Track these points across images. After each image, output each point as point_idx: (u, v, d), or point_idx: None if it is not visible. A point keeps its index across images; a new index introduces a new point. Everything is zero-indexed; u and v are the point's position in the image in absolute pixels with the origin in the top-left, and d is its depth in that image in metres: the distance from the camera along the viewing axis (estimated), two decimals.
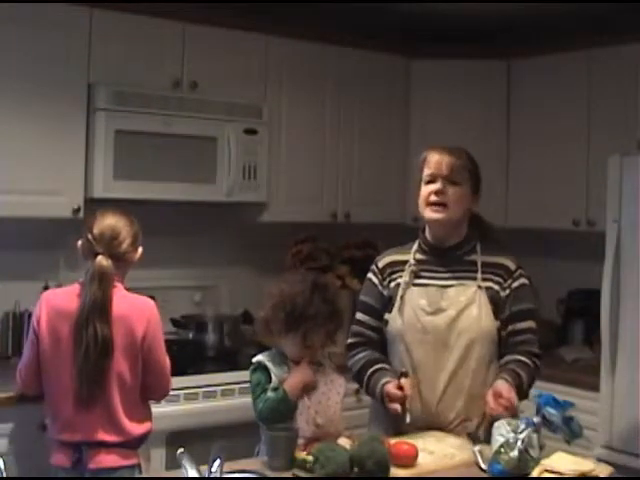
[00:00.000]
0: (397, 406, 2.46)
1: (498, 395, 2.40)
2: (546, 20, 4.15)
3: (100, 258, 2.70)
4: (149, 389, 2.81)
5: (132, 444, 2.74)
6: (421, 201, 2.63)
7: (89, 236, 2.75)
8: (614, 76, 3.97)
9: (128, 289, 2.84)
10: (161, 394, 2.88)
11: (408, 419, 2.45)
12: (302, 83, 4.14)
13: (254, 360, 2.50)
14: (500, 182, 4.41)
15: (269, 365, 2.45)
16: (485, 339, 2.56)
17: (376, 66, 4.38)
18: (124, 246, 2.78)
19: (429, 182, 2.61)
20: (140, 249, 2.86)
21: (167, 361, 2.84)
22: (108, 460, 2.69)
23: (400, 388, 2.48)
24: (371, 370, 2.64)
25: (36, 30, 3.35)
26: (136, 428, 2.74)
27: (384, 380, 2.57)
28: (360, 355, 2.70)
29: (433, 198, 2.58)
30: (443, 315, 2.57)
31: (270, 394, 2.40)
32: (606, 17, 3.88)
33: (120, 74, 3.57)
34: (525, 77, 4.40)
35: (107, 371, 2.66)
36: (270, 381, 2.43)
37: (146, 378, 2.78)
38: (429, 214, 2.61)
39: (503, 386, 2.43)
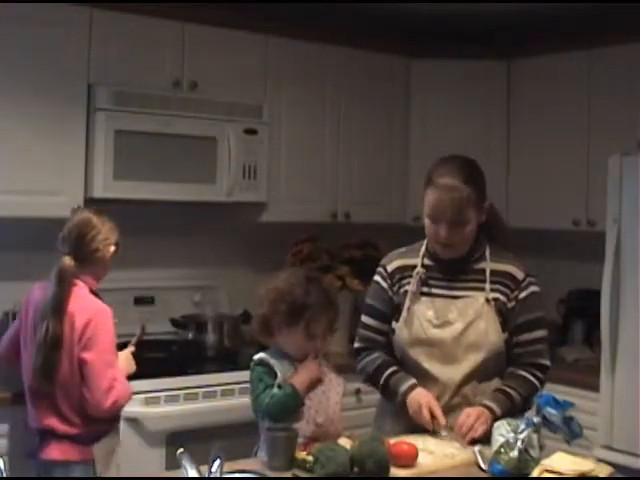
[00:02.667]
0: (427, 416, 2.45)
1: (461, 424, 2.42)
2: (546, 20, 4.15)
3: (63, 258, 2.77)
4: (84, 397, 2.73)
5: (83, 439, 2.77)
6: (428, 236, 2.56)
7: (60, 235, 2.83)
8: (614, 76, 3.97)
9: (94, 292, 2.84)
10: (93, 406, 2.71)
11: (444, 433, 2.45)
12: (302, 83, 4.14)
13: (255, 357, 2.48)
14: (500, 182, 4.41)
15: (272, 362, 2.43)
16: (493, 353, 2.53)
17: (376, 66, 4.38)
18: (92, 245, 2.81)
19: (433, 221, 2.51)
20: (112, 248, 2.87)
21: (107, 373, 2.71)
22: (56, 452, 2.75)
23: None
24: (388, 372, 2.60)
25: (36, 30, 3.35)
26: (85, 424, 2.76)
27: (407, 385, 2.54)
28: (373, 355, 2.65)
29: (441, 240, 2.51)
30: (450, 328, 2.53)
31: (276, 390, 2.38)
32: (606, 17, 3.87)
33: (120, 74, 3.57)
34: (525, 77, 4.40)
35: (55, 365, 2.71)
36: (275, 377, 2.41)
37: (82, 382, 2.73)
38: (439, 251, 2.56)
39: (469, 417, 2.43)
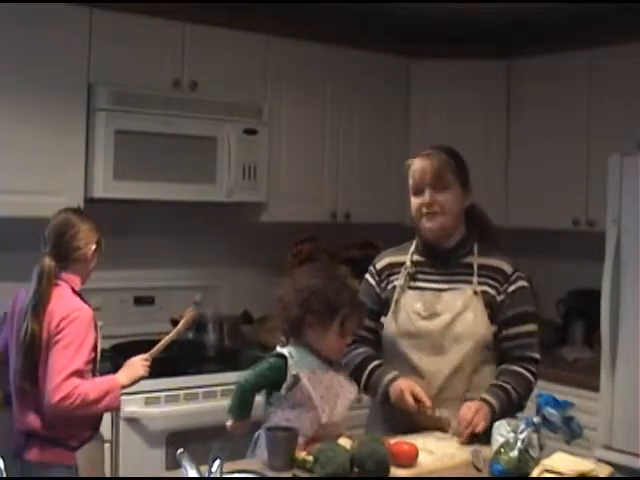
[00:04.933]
0: (411, 400, 2.46)
1: (463, 419, 2.43)
2: (546, 20, 4.15)
3: (44, 257, 2.75)
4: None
5: (64, 443, 2.73)
6: (414, 213, 2.62)
7: (41, 236, 2.81)
8: (614, 76, 3.97)
9: (78, 292, 2.81)
10: (46, 401, 2.64)
11: (437, 412, 2.47)
12: (302, 83, 4.14)
13: (278, 349, 2.42)
14: (500, 182, 4.41)
15: (294, 360, 2.37)
16: (480, 344, 2.55)
17: (376, 66, 4.39)
18: (72, 244, 2.79)
19: (417, 193, 2.59)
20: (93, 246, 2.83)
21: (63, 369, 2.63)
22: (38, 454, 2.71)
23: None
24: (372, 365, 2.63)
25: (36, 30, 3.35)
26: (65, 427, 2.71)
27: (390, 376, 2.56)
28: (358, 350, 2.68)
29: (424, 210, 2.57)
30: (438, 320, 2.56)
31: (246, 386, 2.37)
32: (606, 17, 3.87)
33: (120, 74, 3.57)
34: (525, 77, 4.40)
35: (35, 366, 2.68)
36: (274, 386, 2.37)
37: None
38: (424, 224, 2.60)
39: (469, 410, 2.44)
